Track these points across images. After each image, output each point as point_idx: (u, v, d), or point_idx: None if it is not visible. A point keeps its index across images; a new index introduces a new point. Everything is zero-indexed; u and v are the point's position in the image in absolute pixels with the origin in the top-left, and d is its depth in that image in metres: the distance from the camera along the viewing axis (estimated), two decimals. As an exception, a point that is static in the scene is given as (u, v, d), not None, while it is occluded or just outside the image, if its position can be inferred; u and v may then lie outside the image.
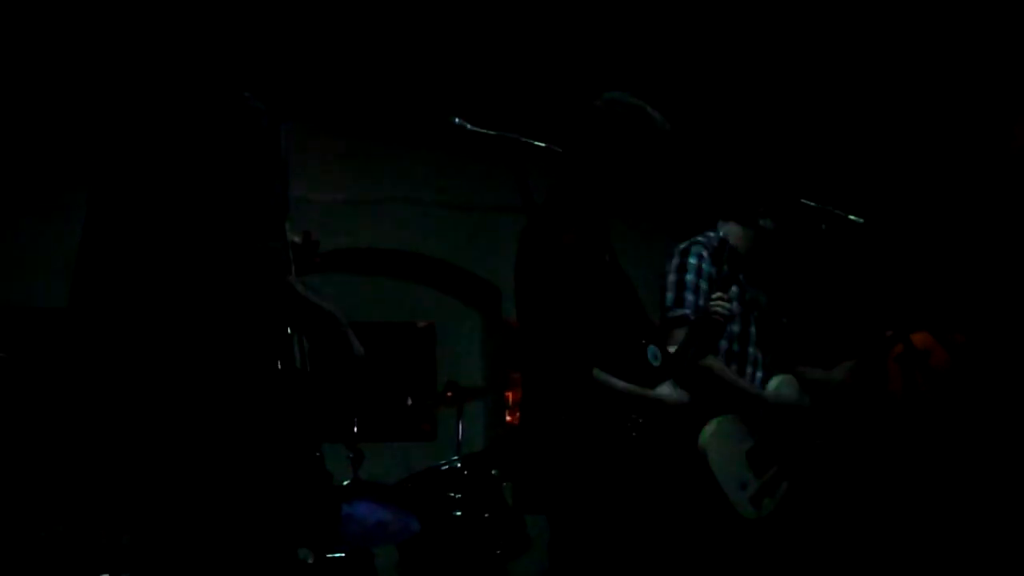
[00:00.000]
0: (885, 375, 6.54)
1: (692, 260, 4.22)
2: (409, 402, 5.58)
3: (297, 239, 3.07)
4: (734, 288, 4.13)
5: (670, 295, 4.20)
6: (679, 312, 4.12)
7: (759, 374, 4.32)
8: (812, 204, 4.18)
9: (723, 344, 4.24)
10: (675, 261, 4.26)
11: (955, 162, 6.79)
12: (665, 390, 3.29)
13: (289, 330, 2.57)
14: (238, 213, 2.39)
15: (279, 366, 2.48)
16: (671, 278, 4.23)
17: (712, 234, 4.39)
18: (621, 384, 3.17)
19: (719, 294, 3.66)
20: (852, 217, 4.14)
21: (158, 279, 2.43)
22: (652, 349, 3.34)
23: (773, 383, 4.31)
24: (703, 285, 4.16)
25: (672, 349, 3.51)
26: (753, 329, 4.33)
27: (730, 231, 4.42)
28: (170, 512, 2.36)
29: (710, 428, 4.08)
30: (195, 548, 2.36)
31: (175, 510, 2.36)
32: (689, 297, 4.14)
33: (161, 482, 2.36)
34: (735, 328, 4.26)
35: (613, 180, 3.33)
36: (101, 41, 6.04)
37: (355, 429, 5.05)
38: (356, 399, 4.89)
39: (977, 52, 6.48)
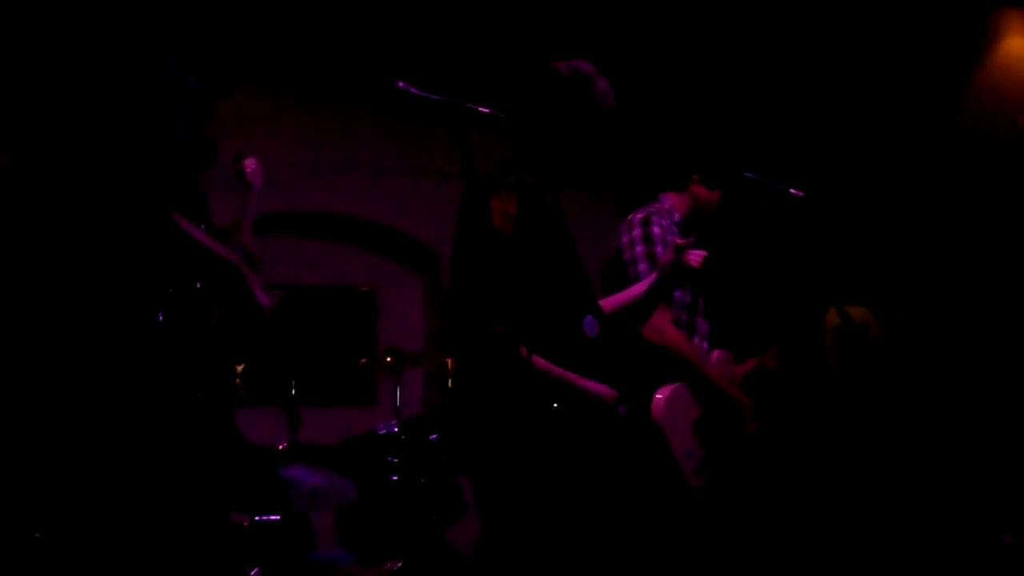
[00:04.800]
0: (823, 349, 6.62)
1: (656, 230, 4.16)
2: (363, 361, 5.54)
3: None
4: None
5: (643, 266, 4.08)
6: None
7: (705, 345, 4.34)
8: (753, 177, 4.18)
9: (674, 312, 4.22)
10: (636, 232, 4.17)
11: (899, 138, 6.85)
12: (591, 383, 3.12)
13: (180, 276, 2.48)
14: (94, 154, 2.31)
15: (153, 313, 2.40)
16: (638, 249, 4.12)
17: (662, 206, 4.35)
18: (542, 363, 3.02)
19: (689, 241, 3.50)
20: (792, 191, 4.16)
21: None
22: (588, 319, 3.21)
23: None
24: None
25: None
26: (700, 300, 4.35)
27: (669, 200, 4.40)
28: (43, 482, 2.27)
29: (663, 397, 4.08)
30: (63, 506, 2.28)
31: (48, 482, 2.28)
32: None
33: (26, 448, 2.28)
34: (686, 298, 4.26)
35: (555, 147, 3.27)
36: None
37: (293, 392, 5.02)
38: (295, 362, 4.85)
39: (921, 25, 6.54)
